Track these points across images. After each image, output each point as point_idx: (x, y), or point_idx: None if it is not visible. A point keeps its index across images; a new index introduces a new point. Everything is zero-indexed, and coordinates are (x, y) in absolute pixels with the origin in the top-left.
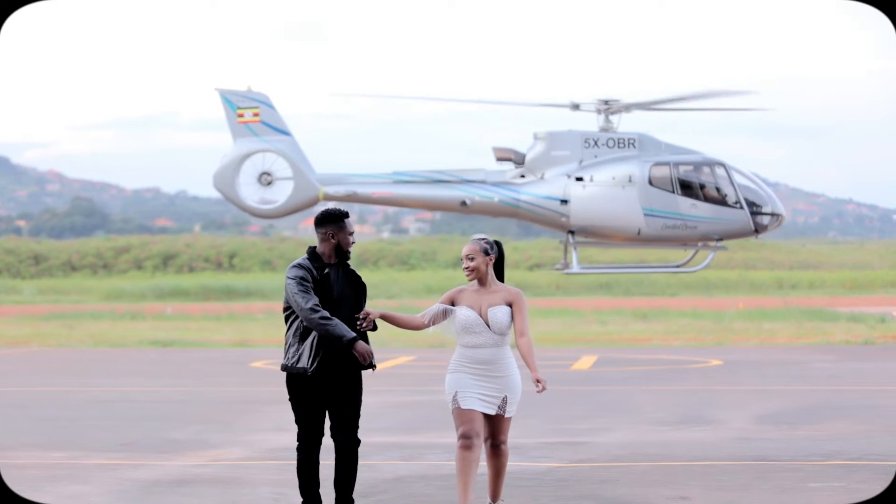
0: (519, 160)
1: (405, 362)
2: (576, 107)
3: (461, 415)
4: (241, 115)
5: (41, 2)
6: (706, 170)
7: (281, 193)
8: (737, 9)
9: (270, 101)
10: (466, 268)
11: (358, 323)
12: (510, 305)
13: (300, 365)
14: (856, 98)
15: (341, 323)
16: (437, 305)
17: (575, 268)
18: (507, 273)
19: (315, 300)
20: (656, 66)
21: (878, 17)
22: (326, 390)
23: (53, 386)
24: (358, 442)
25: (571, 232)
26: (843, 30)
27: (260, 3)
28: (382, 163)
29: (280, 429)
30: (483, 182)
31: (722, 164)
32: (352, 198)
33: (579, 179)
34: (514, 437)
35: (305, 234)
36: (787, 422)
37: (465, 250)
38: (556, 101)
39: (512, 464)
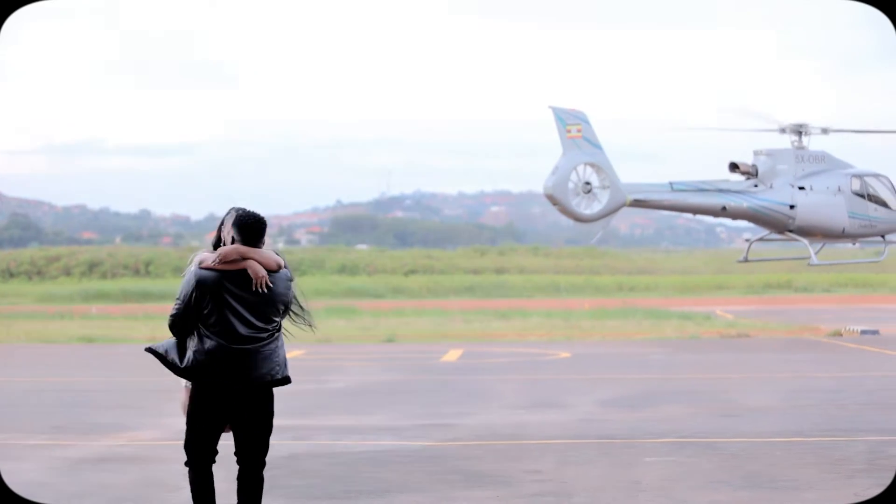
0: (754, 172)
1: (296, 355)
2: (782, 130)
3: None
4: (569, 131)
5: None
6: (880, 181)
7: (597, 200)
8: None
9: (588, 119)
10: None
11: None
12: None
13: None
14: None
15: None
16: None
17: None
18: (385, 278)
19: None
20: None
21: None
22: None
23: None
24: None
25: (791, 231)
26: None
27: (174, 41)
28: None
29: None
30: (730, 191)
31: (887, 177)
32: (645, 203)
33: (801, 188)
34: (391, 420)
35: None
36: (626, 405)
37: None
38: (764, 127)
39: (389, 443)
